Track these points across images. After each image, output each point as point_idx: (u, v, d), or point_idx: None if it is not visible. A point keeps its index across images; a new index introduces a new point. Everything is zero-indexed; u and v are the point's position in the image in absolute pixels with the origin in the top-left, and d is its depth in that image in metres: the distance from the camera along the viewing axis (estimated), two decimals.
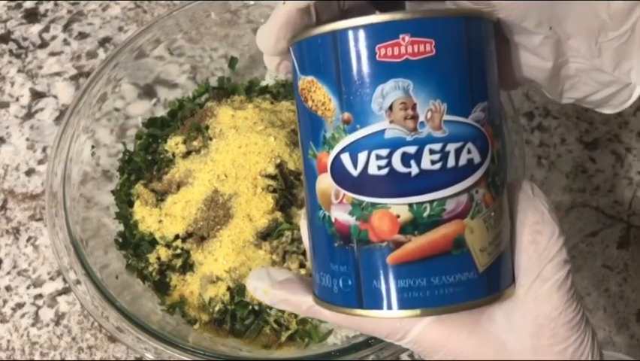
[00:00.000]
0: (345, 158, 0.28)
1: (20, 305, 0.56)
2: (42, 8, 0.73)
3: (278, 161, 0.49)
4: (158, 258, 0.50)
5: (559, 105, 0.63)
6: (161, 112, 0.60)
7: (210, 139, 0.52)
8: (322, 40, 0.28)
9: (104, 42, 0.70)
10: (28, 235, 0.59)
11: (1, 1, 0.74)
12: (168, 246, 0.50)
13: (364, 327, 0.31)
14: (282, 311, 0.48)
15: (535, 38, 0.30)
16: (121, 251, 0.52)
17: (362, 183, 0.27)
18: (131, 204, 0.53)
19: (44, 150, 0.64)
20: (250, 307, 0.48)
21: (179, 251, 0.50)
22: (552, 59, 0.30)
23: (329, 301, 0.30)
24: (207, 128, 0.53)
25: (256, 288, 0.34)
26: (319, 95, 0.28)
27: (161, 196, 0.52)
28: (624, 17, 0.28)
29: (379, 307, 0.28)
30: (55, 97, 0.67)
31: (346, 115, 0.27)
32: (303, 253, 0.48)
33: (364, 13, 0.33)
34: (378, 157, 0.27)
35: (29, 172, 0.63)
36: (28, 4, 0.73)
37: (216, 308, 0.48)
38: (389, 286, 0.28)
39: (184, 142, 0.54)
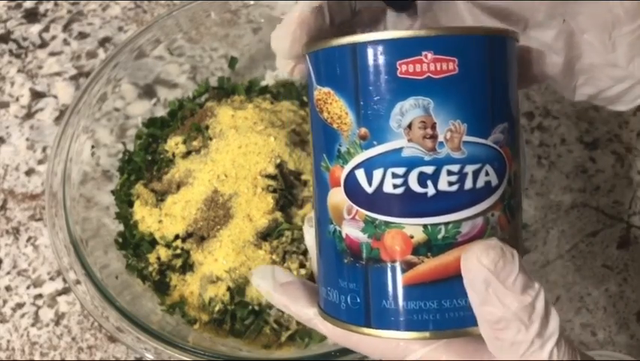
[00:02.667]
0: (360, 174, 0.27)
1: (20, 305, 0.56)
2: (42, 8, 0.73)
3: (278, 161, 0.49)
4: (158, 258, 0.50)
5: (559, 105, 0.63)
6: (161, 112, 0.60)
7: (210, 139, 0.52)
8: (342, 52, 0.27)
9: (103, 42, 0.70)
10: (28, 234, 0.59)
11: (0, 1, 0.74)
12: (168, 246, 0.50)
13: (364, 346, 0.30)
14: (283, 311, 0.48)
15: (549, 32, 0.30)
16: (121, 251, 0.52)
17: (376, 201, 0.27)
18: (131, 204, 0.53)
19: (44, 150, 0.64)
20: (250, 307, 0.48)
21: (179, 251, 0.50)
22: (565, 54, 0.30)
23: (335, 316, 0.29)
24: (207, 128, 0.53)
25: (259, 286, 0.34)
26: (335, 107, 0.27)
27: (161, 196, 0.52)
28: (638, 12, 0.28)
29: (388, 327, 0.27)
30: (55, 97, 0.67)
31: (363, 130, 0.27)
32: (303, 253, 0.48)
33: (375, 14, 0.33)
34: (394, 175, 0.26)
35: (29, 172, 0.63)
36: (28, 4, 0.73)
37: (216, 308, 0.48)
38: (399, 306, 0.27)
39: (184, 142, 0.54)
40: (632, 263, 0.55)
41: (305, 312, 0.32)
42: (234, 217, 0.48)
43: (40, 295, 0.56)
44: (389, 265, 0.27)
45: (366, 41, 0.26)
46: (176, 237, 0.50)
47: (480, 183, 0.27)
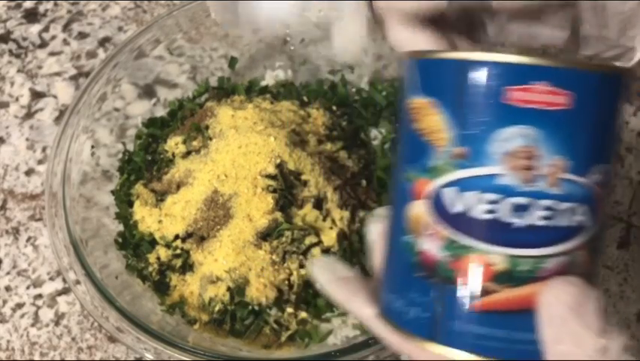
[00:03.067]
0: (449, 193, 0.26)
1: (20, 305, 0.56)
2: (42, 8, 0.73)
3: (278, 161, 0.49)
4: (158, 258, 0.50)
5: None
6: (160, 112, 0.60)
7: (210, 139, 0.52)
8: (451, 66, 0.26)
9: (103, 42, 0.70)
10: (28, 235, 0.59)
11: (0, 1, 0.74)
12: (168, 246, 0.50)
13: (418, 357, 0.30)
14: (282, 311, 0.48)
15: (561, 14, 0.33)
16: (121, 251, 0.52)
17: (462, 223, 0.26)
18: (130, 204, 0.53)
19: (44, 150, 0.64)
20: (250, 307, 0.48)
21: (178, 251, 0.50)
22: (569, 28, 0.33)
23: (398, 323, 0.29)
24: (207, 128, 0.53)
25: (317, 277, 0.33)
26: (433, 120, 0.26)
27: (160, 196, 0.52)
28: None
29: (453, 345, 0.27)
30: (55, 97, 0.67)
31: (459, 150, 0.26)
32: (303, 253, 0.48)
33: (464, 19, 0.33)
34: (486, 201, 0.25)
35: (29, 172, 0.63)
36: (27, 4, 0.73)
37: (216, 308, 0.48)
38: (468, 329, 0.26)
39: (184, 142, 0.54)
40: (632, 263, 0.55)
41: (363, 310, 0.31)
42: (234, 217, 0.48)
43: (40, 296, 0.56)
44: (464, 287, 0.26)
45: (479, 60, 0.25)
46: (176, 237, 0.50)
47: (571, 222, 0.26)
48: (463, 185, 0.26)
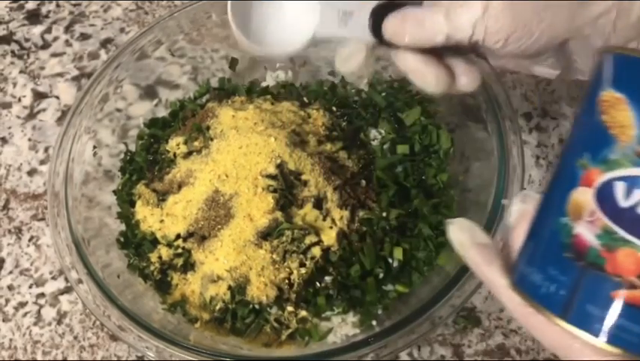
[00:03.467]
0: (620, 186, 0.27)
1: (22, 304, 0.56)
2: (44, 9, 0.73)
3: (278, 161, 0.49)
4: (160, 257, 0.51)
5: (557, 106, 0.63)
6: (162, 113, 0.60)
7: (211, 139, 0.52)
8: None
9: (105, 43, 0.70)
10: (31, 234, 0.60)
11: (3, 2, 0.74)
12: (169, 245, 0.51)
13: (539, 330, 0.31)
14: (283, 310, 0.48)
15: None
16: (122, 250, 0.52)
17: (625, 217, 0.27)
18: (132, 204, 0.54)
19: (46, 150, 0.64)
20: (251, 306, 0.48)
21: (180, 251, 0.50)
22: (560, 67, 0.36)
23: (531, 295, 0.30)
24: (208, 128, 0.54)
25: (456, 237, 0.34)
26: (622, 116, 0.27)
27: (162, 196, 0.53)
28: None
29: (584, 328, 0.28)
30: (57, 98, 0.67)
31: None
32: (304, 253, 0.48)
33: None
34: None
35: (31, 172, 0.63)
36: (30, 6, 0.74)
37: (217, 307, 0.48)
38: (605, 317, 0.27)
39: (185, 142, 0.54)
40: None
41: (495, 278, 0.32)
42: (235, 217, 0.49)
43: (42, 295, 0.57)
44: (612, 277, 0.27)
45: None
46: (178, 236, 0.51)
47: None
48: (636, 182, 0.27)
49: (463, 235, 0.34)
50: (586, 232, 0.28)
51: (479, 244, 0.33)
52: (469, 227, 0.34)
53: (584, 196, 0.28)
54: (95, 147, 0.55)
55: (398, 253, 0.49)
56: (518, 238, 0.32)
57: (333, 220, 0.49)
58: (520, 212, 0.32)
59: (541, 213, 0.31)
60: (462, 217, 0.36)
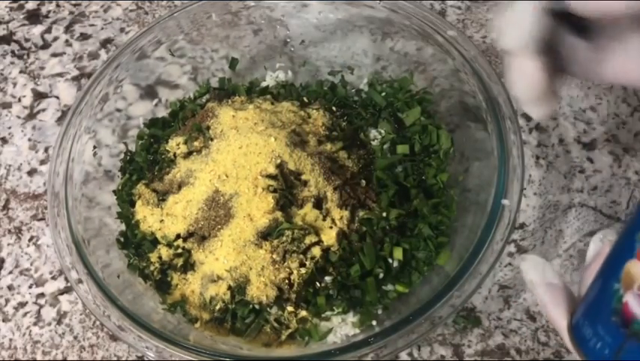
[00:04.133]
0: None
1: (22, 304, 0.56)
2: (44, 9, 0.73)
3: (278, 161, 0.49)
4: (160, 257, 0.51)
5: (556, 106, 0.63)
6: (162, 112, 0.60)
7: (211, 139, 0.53)
8: None
9: (105, 43, 0.70)
10: (31, 234, 0.60)
11: (3, 2, 0.74)
12: (169, 245, 0.51)
13: None
14: (282, 310, 0.48)
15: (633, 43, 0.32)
16: (122, 250, 0.52)
17: None
18: (132, 203, 0.54)
19: (46, 150, 0.64)
20: (250, 306, 0.48)
21: (180, 250, 0.50)
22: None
23: (579, 343, 0.32)
24: (208, 128, 0.54)
25: (528, 274, 0.36)
26: None
27: (162, 196, 0.53)
28: None
29: None
30: (57, 97, 0.67)
31: None
32: (304, 253, 0.48)
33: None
34: None
35: (31, 172, 0.63)
36: (30, 6, 0.74)
37: (217, 307, 0.48)
38: None
39: (185, 142, 0.54)
40: None
41: (559, 320, 0.34)
42: (235, 217, 0.49)
43: (42, 295, 0.57)
44: None
45: None
46: (178, 236, 0.51)
47: None
48: None
49: (534, 272, 0.36)
50: (633, 303, 0.29)
51: (549, 284, 0.35)
52: (542, 265, 0.36)
53: (636, 269, 0.29)
54: (95, 147, 0.55)
55: (398, 253, 0.49)
56: (590, 276, 0.33)
57: (333, 220, 0.49)
58: (597, 251, 0.34)
59: (604, 269, 0.32)
60: (535, 254, 0.37)
